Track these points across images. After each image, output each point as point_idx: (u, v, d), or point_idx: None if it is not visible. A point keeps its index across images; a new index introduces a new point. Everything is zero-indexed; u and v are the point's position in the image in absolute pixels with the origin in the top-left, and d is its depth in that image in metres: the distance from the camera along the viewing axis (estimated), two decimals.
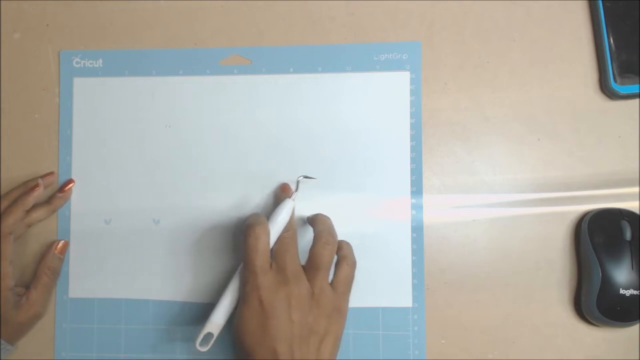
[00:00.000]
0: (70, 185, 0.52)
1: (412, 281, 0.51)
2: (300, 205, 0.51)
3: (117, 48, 0.54)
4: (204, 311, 0.51)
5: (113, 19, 0.54)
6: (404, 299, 0.51)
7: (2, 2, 0.55)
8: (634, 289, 0.47)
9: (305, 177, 0.50)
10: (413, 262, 0.51)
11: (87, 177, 0.53)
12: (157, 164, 0.53)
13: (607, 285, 0.47)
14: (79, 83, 0.53)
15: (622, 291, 0.47)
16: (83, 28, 0.54)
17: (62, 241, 0.52)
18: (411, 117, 0.52)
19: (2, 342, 0.48)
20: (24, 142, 0.54)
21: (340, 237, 0.49)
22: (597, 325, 0.49)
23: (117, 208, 0.53)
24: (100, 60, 0.54)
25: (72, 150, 0.53)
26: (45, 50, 0.54)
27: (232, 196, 0.52)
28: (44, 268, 0.51)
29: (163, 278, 0.52)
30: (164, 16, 0.54)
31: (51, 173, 0.52)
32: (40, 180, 0.51)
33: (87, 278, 0.52)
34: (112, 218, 0.53)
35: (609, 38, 0.50)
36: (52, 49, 0.54)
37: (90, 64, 0.54)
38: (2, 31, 0.55)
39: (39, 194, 0.50)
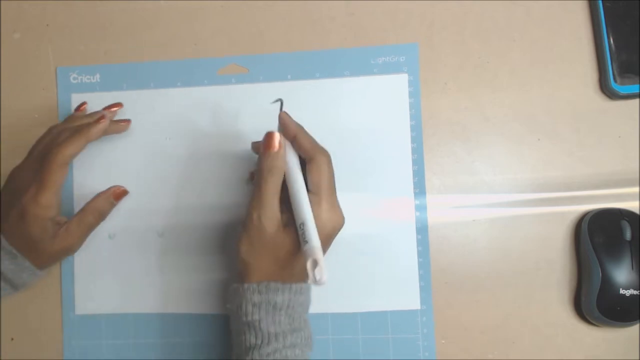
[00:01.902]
0: (116, 108, 0.50)
1: (420, 283, 0.51)
2: None
3: (117, 48, 0.54)
4: (213, 322, 0.51)
5: (113, 19, 0.54)
6: (412, 301, 0.50)
7: (2, 2, 0.55)
8: (634, 289, 0.47)
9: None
10: (420, 263, 0.51)
11: (89, 192, 0.51)
12: (159, 177, 0.52)
13: (607, 285, 0.47)
14: (77, 99, 0.53)
15: (622, 291, 0.47)
16: (83, 28, 0.54)
17: (122, 188, 0.51)
18: (411, 119, 0.52)
19: (33, 267, 0.47)
20: (24, 142, 0.54)
21: (343, 240, 0.49)
22: (597, 325, 0.49)
23: (120, 222, 0.52)
24: (98, 75, 0.53)
25: (73, 165, 0.53)
26: (45, 50, 0.54)
27: (234, 205, 0.52)
28: (92, 208, 0.49)
29: (170, 291, 0.52)
30: (164, 16, 0.54)
31: (118, 104, 0.50)
32: (105, 112, 0.49)
33: (93, 294, 0.52)
34: (116, 232, 0.52)
35: (609, 38, 0.50)
36: (52, 49, 0.54)
37: (88, 79, 0.54)
38: (2, 31, 0.55)
39: (104, 126, 0.48)
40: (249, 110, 0.52)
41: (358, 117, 0.52)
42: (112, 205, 0.50)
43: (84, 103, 0.52)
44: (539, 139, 0.51)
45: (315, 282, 0.38)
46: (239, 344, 0.42)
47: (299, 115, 0.52)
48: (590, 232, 0.49)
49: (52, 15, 0.55)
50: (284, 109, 0.46)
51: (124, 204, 0.52)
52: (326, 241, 0.43)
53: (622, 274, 0.47)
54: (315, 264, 0.38)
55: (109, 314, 0.52)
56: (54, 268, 0.52)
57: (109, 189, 0.50)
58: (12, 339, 0.53)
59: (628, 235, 0.48)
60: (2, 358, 0.52)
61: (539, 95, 0.51)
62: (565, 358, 0.50)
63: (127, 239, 0.52)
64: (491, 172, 0.51)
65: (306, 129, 0.52)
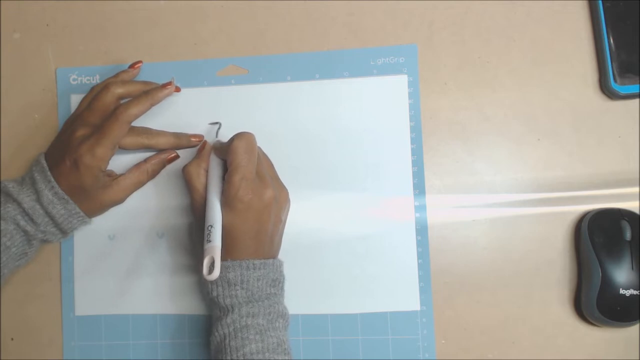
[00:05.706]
0: (171, 85, 0.51)
1: (419, 284, 0.50)
2: (300, 207, 0.51)
3: (117, 48, 0.54)
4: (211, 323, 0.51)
5: (113, 19, 0.54)
6: (412, 302, 0.50)
7: (2, 2, 0.55)
8: (634, 289, 0.47)
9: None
10: (419, 264, 0.51)
11: None
12: (159, 177, 0.52)
13: (607, 285, 0.47)
14: (76, 100, 0.53)
15: (622, 291, 0.47)
16: (83, 28, 0.54)
17: (175, 154, 0.52)
18: (410, 120, 0.51)
19: (83, 214, 0.49)
20: (24, 142, 0.54)
21: (343, 240, 0.50)
22: (597, 325, 0.49)
23: (120, 223, 0.52)
24: (98, 77, 0.53)
25: None
26: (45, 51, 0.54)
27: None
28: (145, 168, 0.51)
29: (169, 292, 0.52)
30: (164, 16, 0.54)
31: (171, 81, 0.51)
32: (173, 78, 0.51)
33: (93, 295, 0.52)
34: (116, 233, 0.52)
35: (609, 38, 0.50)
36: (52, 49, 0.54)
37: (88, 80, 0.54)
38: (2, 31, 0.55)
39: (169, 92, 0.50)
40: (249, 110, 0.52)
41: (358, 118, 0.52)
42: (163, 167, 0.52)
43: (139, 62, 0.52)
44: (539, 139, 0.51)
45: (208, 276, 0.43)
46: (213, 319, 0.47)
47: (299, 117, 0.52)
48: (590, 232, 0.49)
49: (52, 15, 0.55)
50: (219, 135, 0.51)
51: (123, 205, 0.52)
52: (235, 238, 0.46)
53: (622, 274, 0.47)
54: (212, 260, 0.43)
55: (109, 314, 0.52)
56: (54, 268, 0.53)
57: (164, 152, 0.52)
58: (12, 339, 0.53)
59: (628, 235, 0.48)
60: (2, 358, 0.52)
61: (539, 95, 0.51)
62: (565, 358, 0.50)
63: (127, 240, 0.52)
64: (491, 172, 0.51)
65: (307, 130, 0.52)
